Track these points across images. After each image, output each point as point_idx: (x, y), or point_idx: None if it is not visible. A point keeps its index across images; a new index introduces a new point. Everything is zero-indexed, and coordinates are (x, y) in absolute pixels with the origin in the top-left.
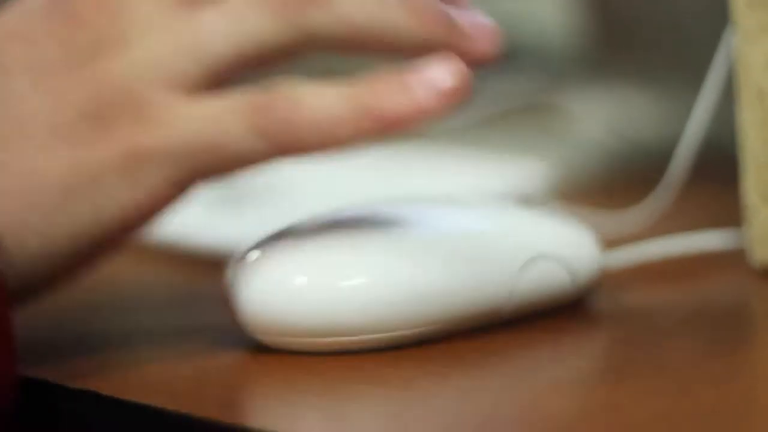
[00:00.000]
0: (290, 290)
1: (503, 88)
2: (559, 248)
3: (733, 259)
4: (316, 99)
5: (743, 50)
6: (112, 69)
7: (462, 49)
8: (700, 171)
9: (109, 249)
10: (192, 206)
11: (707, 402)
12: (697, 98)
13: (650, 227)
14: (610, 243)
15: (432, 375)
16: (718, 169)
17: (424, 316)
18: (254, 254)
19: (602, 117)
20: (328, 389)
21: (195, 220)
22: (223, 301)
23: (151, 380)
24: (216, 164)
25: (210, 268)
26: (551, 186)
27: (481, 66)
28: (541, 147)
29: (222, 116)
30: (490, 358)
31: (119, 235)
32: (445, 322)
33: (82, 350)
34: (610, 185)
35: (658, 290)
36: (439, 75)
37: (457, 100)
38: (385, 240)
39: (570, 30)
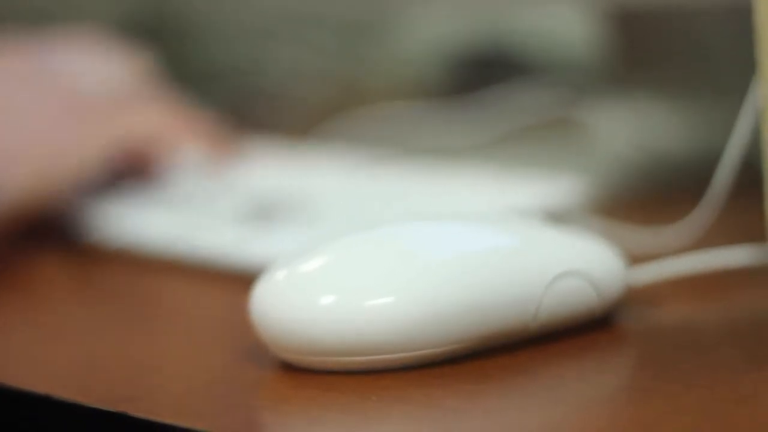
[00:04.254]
0: (316, 309)
1: (528, 104)
2: (585, 265)
3: (762, 275)
4: None
5: (766, 65)
6: None
7: None
8: (744, 188)
9: None
10: (221, 224)
11: (736, 420)
12: (720, 112)
13: (690, 243)
14: (646, 259)
15: (458, 394)
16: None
17: (450, 334)
18: (281, 273)
19: (626, 132)
20: (354, 408)
21: (224, 239)
22: (250, 320)
23: (178, 400)
24: None
25: (238, 286)
26: (579, 201)
27: None
28: (566, 162)
29: None
30: (517, 376)
31: None
32: (471, 340)
33: (110, 370)
34: (644, 200)
35: (687, 306)
36: None
37: None
38: (411, 258)
39: (594, 45)
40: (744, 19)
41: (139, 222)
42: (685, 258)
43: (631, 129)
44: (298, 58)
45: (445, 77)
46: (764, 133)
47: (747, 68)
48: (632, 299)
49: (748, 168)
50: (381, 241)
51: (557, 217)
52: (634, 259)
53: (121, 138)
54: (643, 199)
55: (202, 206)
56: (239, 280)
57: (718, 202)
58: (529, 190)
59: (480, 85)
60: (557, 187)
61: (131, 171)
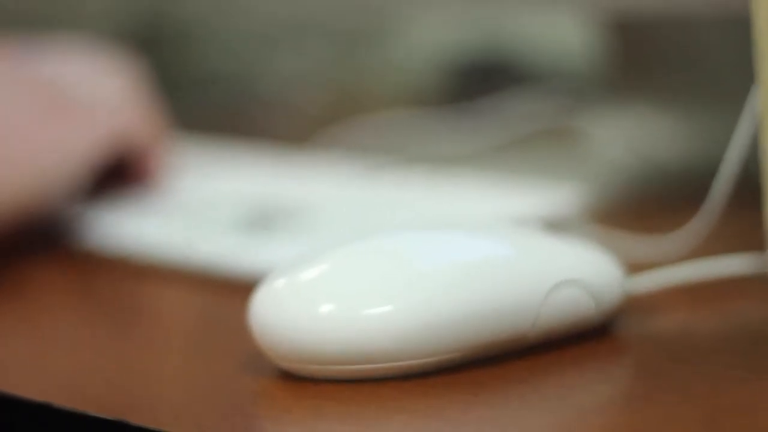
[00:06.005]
0: (315, 318)
1: (527, 112)
2: (583, 274)
3: (761, 284)
4: None
5: (766, 74)
6: None
7: None
8: (743, 196)
9: None
10: (221, 232)
11: (733, 430)
12: (718, 121)
13: (689, 252)
14: (645, 268)
15: (456, 403)
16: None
17: (448, 343)
18: (280, 281)
19: (624, 141)
20: (351, 417)
21: (223, 247)
22: (249, 328)
23: (177, 408)
24: None
25: (237, 294)
26: (577, 210)
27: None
28: (564, 170)
29: None
30: (515, 386)
31: None
32: (469, 349)
33: (108, 378)
34: (642, 209)
35: (685, 315)
36: None
37: None
38: (410, 267)
39: (592, 54)
40: (743, 28)
41: (137, 229)
42: (683, 267)
43: (630, 137)
44: (296, 66)
45: (444, 86)
46: (763, 141)
47: (746, 77)
48: (630, 308)
49: (747, 177)
50: (379, 250)
51: (555, 225)
52: (633, 267)
53: (108, 141)
54: (642, 207)
55: (201, 214)
56: (238, 288)
57: (717, 210)
58: (528, 198)
59: (479, 94)
60: (556, 195)
61: (120, 176)
